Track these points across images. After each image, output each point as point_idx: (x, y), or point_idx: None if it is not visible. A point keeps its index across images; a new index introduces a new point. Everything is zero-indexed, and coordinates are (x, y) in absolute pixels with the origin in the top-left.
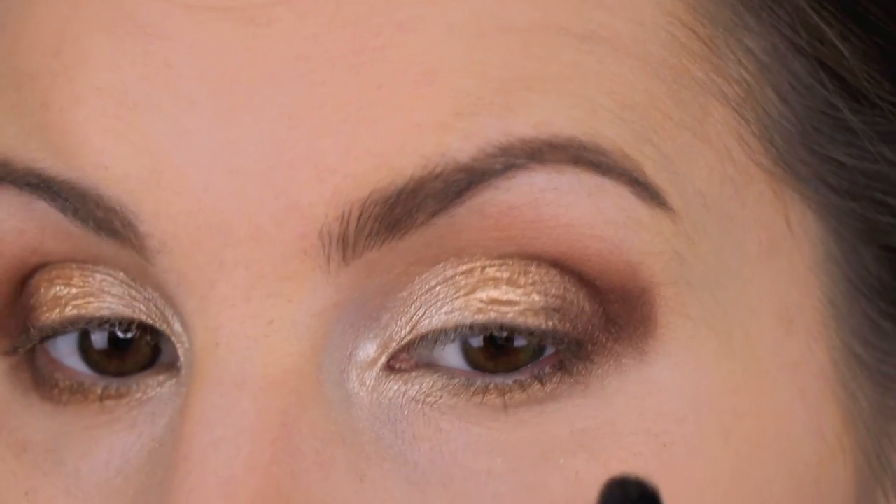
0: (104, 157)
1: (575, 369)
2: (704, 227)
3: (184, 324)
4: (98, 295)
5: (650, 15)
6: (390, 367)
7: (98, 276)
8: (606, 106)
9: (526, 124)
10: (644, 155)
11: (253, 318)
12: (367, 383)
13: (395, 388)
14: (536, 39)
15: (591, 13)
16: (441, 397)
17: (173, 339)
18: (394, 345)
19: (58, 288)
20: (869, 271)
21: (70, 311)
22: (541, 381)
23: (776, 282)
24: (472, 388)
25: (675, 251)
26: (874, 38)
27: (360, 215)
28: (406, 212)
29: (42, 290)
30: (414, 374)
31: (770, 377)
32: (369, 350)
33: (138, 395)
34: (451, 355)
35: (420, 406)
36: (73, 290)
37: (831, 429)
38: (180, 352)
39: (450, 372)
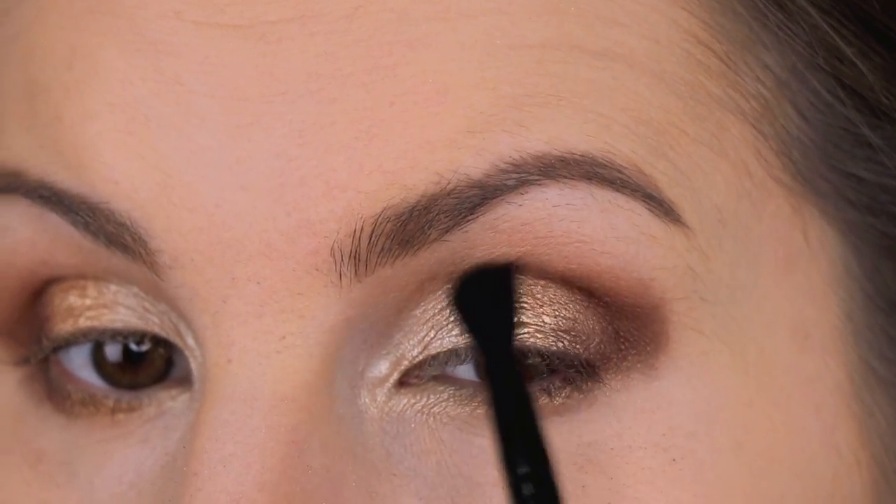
0: (115, 172)
1: (584, 385)
2: (719, 243)
3: (196, 339)
4: (112, 307)
5: (665, 32)
6: (401, 383)
7: (112, 288)
8: (621, 122)
9: (539, 140)
10: (659, 170)
11: (265, 334)
12: (378, 399)
13: (405, 401)
14: (549, 56)
15: (606, 31)
16: (446, 408)
17: (186, 352)
18: (405, 363)
19: (72, 299)
20: (888, 287)
21: (83, 323)
22: (549, 395)
23: (792, 297)
24: (479, 399)
25: (689, 266)
26: (894, 54)
27: (372, 232)
28: (419, 228)
29: (56, 300)
30: (423, 386)
31: (784, 392)
32: (381, 368)
33: (151, 409)
34: (464, 369)
35: (425, 418)
36: (88, 301)
37: (847, 444)
38: (193, 366)
39: (459, 383)
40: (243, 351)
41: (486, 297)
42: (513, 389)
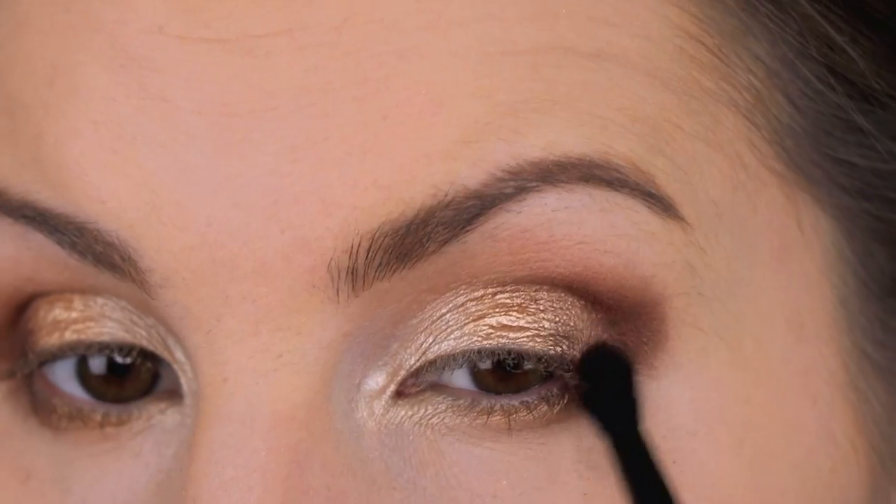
0: (101, 191)
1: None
2: (717, 236)
3: (189, 357)
4: (98, 320)
5: (657, 29)
6: (398, 394)
7: (100, 301)
8: (617, 121)
9: (535, 146)
10: (656, 167)
11: (262, 353)
12: (376, 412)
13: (402, 413)
14: (543, 61)
15: (598, 31)
16: (444, 419)
17: (175, 366)
18: (402, 372)
19: (57, 311)
20: (882, 271)
21: (70, 336)
22: (548, 403)
23: (787, 287)
24: (477, 409)
25: (687, 262)
26: (883, 37)
27: (370, 247)
28: (417, 241)
29: (41, 313)
30: (421, 397)
31: (781, 385)
32: (378, 379)
33: (140, 422)
34: (460, 377)
35: (423, 429)
36: (74, 315)
37: (843, 433)
38: (182, 380)
39: (456, 393)
40: (239, 370)
41: (608, 380)
42: (646, 469)
